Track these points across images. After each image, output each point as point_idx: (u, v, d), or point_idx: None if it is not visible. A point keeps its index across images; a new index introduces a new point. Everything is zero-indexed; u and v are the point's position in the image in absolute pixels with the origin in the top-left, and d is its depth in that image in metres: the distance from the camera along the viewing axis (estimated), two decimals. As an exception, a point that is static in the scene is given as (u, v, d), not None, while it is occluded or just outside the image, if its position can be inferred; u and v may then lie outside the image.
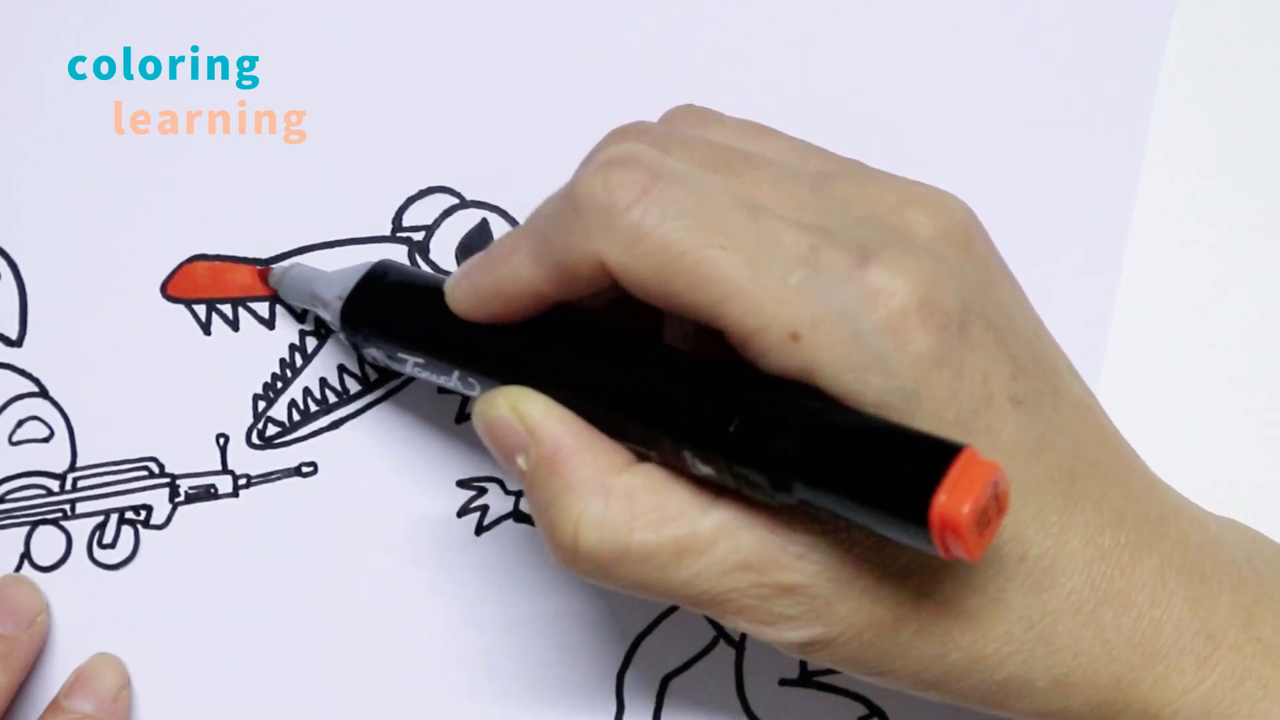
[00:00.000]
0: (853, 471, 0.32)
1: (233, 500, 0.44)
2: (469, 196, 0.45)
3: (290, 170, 0.44)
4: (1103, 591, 0.35)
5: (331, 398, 0.44)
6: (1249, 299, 0.45)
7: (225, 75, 0.45)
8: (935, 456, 0.31)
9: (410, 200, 0.44)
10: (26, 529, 0.44)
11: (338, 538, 0.44)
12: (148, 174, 0.44)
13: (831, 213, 0.35)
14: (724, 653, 0.44)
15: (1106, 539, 0.35)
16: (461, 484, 0.44)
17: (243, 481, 0.44)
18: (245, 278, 0.44)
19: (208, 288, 0.44)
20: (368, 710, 0.44)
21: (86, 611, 0.44)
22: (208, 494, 0.44)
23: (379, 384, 0.44)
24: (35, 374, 0.44)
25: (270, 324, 0.44)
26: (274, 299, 0.44)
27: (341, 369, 0.44)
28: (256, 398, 0.44)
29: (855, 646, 0.34)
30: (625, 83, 0.45)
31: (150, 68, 0.45)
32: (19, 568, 0.44)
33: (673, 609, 0.44)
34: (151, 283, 0.44)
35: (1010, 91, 0.45)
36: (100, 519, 0.44)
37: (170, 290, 0.44)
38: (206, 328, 0.44)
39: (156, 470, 0.44)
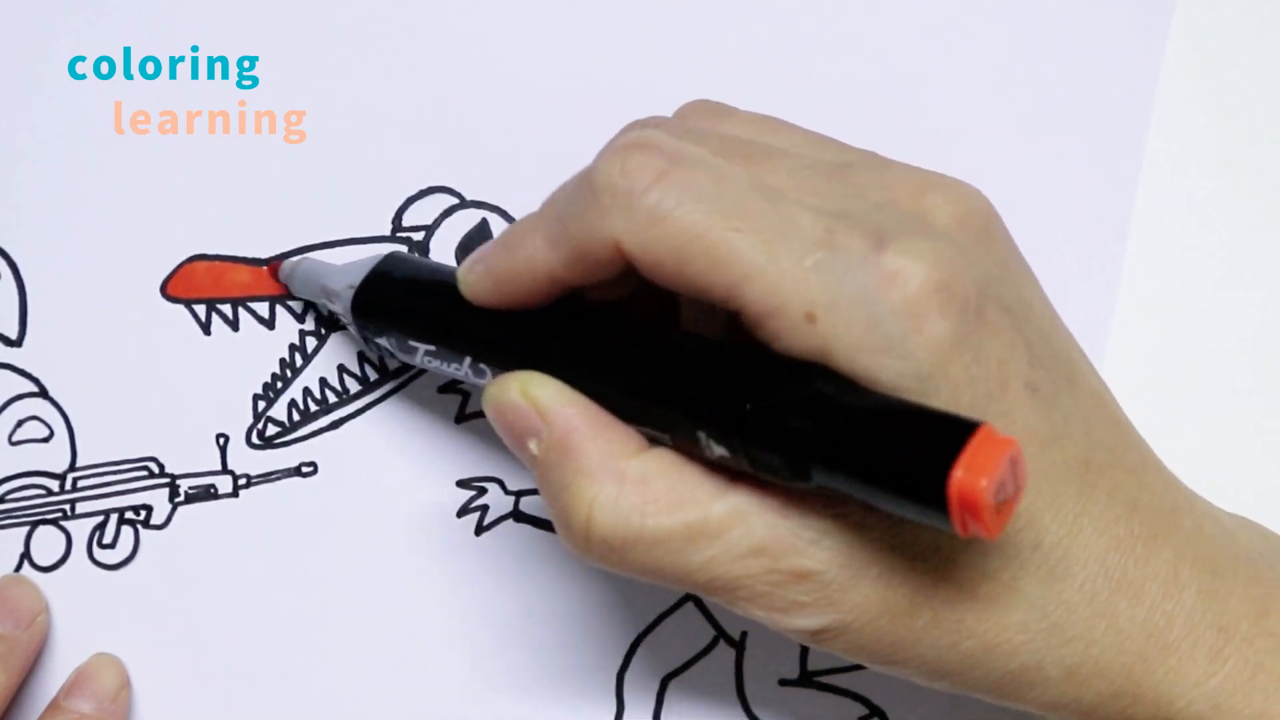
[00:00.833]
0: (869, 451, 0.32)
1: (233, 500, 0.44)
2: (469, 196, 0.45)
3: (290, 170, 0.44)
4: (1116, 581, 0.34)
5: (331, 398, 0.44)
6: (1249, 300, 0.45)
7: (225, 75, 0.45)
8: (952, 433, 0.31)
9: (410, 200, 0.44)
10: (26, 529, 0.44)
11: (338, 538, 0.44)
12: (148, 174, 0.44)
13: (849, 199, 0.35)
14: (724, 653, 0.44)
15: (1121, 529, 0.35)
16: (461, 484, 0.44)
17: (243, 481, 0.44)
18: (245, 278, 0.44)
19: (208, 288, 0.44)
20: (367, 710, 0.44)
21: (86, 611, 0.44)
22: (208, 494, 0.44)
23: (379, 384, 0.44)
24: (35, 374, 0.44)
25: (270, 324, 0.44)
26: (274, 298, 0.44)
27: (341, 369, 0.44)
28: (256, 398, 0.44)
29: (868, 634, 0.34)
30: (625, 82, 0.45)
31: (150, 68, 0.45)
32: (19, 568, 0.44)
33: (673, 609, 0.44)
34: (151, 283, 0.44)
35: (1010, 91, 0.45)
36: (100, 519, 0.44)
37: (170, 290, 0.44)
38: (206, 328, 0.44)
39: (156, 470, 0.44)
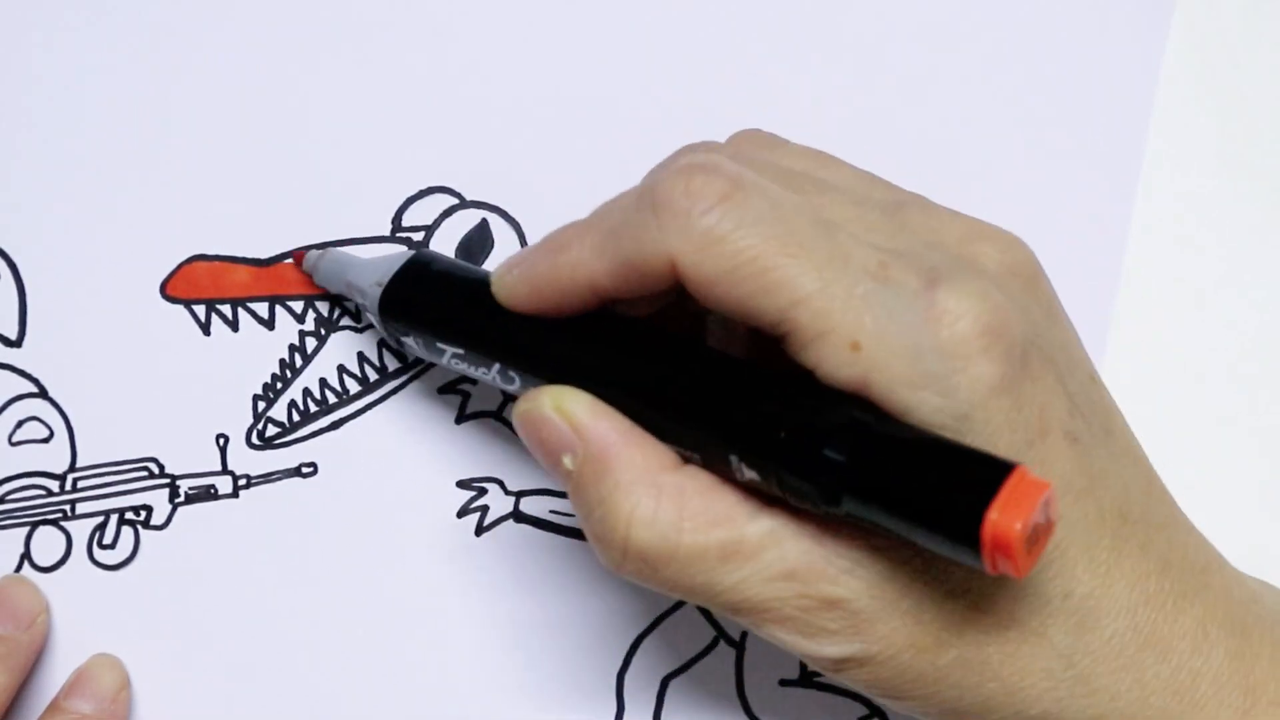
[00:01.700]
0: (902, 485, 0.32)
1: (233, 500, 0.44)
2: (469, 196, 0.45)
3: (290, 170, 0.44)
4: (1145, 636, 0.35)
5: (331, 398, 0.44)
6: (1249, 299, 0.45)
7: (225, 75, 0.45)
8: (987, 473, 0.31)
9: (410, 200, 0.44)
10: (26, 529, 0.44)
11: (338, 538, 0.44)
12: (148, 174, 0.44)
13: (902, 237, 0.35)
14: (724, 653, 0.44)
15: (1152, 584, 0.35)
16: (461, 484, 0.44)
17: (243, 482, 0.44)
18: (245, 278, 0.44)
19: (207, 288, 0.44)
20: (367, 710, 0.44)
21: (86, 612, 0.44)
22: (208, 494, 0.44)
23: (379, 384, 0.44)
24: (35, 374, 0.44)
25: (270, 324, 0.44)
26: (274, 298, 0.44)
27: (341, 369, 0.44)
28: (256, 398, 0.44)
29: (892, 667, 0.34)
30: (625, 83, 0.45)
31: (150, 67, 0.45)
32: (19, 568, 0.44)
33: (673, 609, 0.44)
34: (151, 283, 0.44)
35: (1010, 91, 0.45)
36: (100, 519, 0.44)
37: (170, 290, 0.44)
38: (206, 328, 0.44)
39: (156, 470, 0.44)
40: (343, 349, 0.44)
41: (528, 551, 0.44)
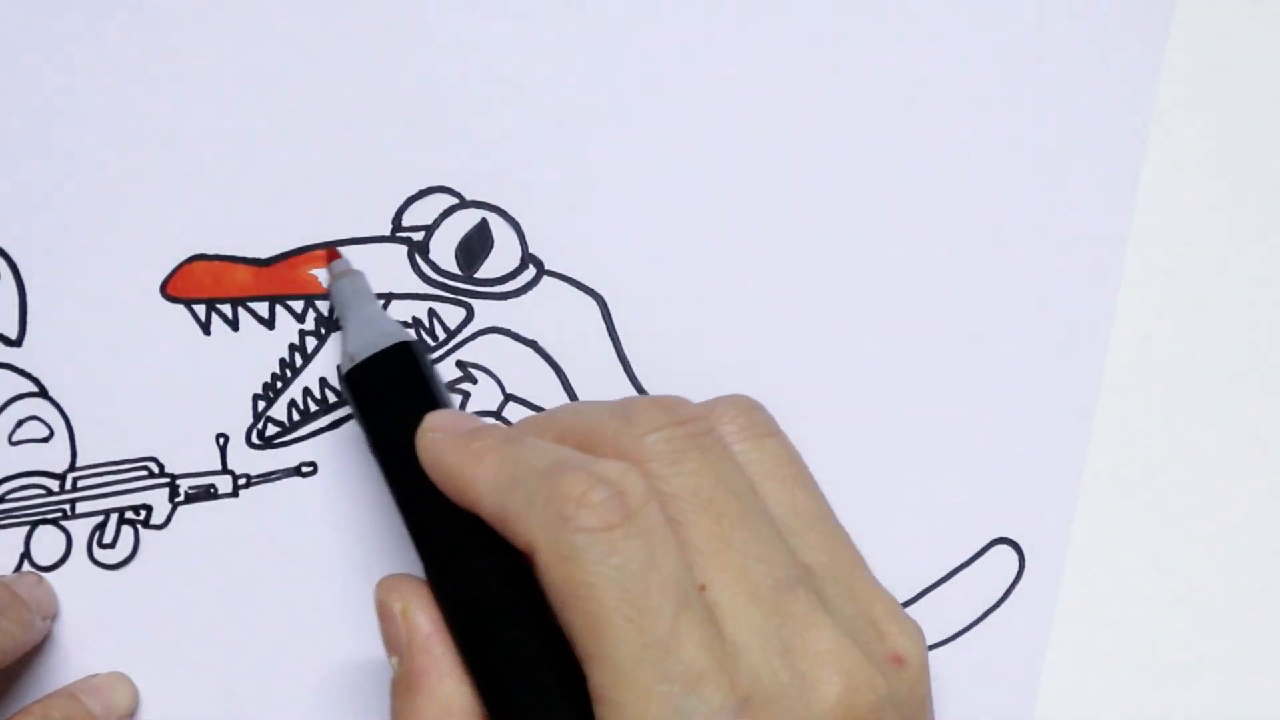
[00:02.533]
0: None
1: (233, 500, 0.44)
2: (469, 196, 0.45)
3: (290, 170, 0.44)
4: None
5: (331, 398, 0.44)
6: (1249, 299, 0.45)
7: (225, 74, 0.45)
8: None
9: (410, 200, 0.44)
10: (26, 529, 0.44)
11: (338, 538, 0.44)
12: (148, 174, 0.44)
13: (768, 630, 0.35)
14: (724, 653, 0.44)
15: None
16: (461, 484, 0.44)
17: (243, 481, 0.44)
18: (245, 278, 0.44)
19: (208, 288, 0.44)
20: (367, 710, 0.44)
21: (86, 611, 0.44)
22: (207, 494, 0.44)
23: (379, 384, 0.44)
24: (35, 374, 0.44)
25: (270, 324, 0.44)
26: (274, 298, 0.44)
27: (342, 369, 0.44)
28: (256, 398, 0.44)
29: None
30: (625, 83, 0.45)
31: (150, 67, 0.45)
32: (19, 568, 0.44)
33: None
34: (151, 283, 0.44)
35: (1010, 91, 0.45)
36: (100, 519, 0.44)
37: (170, 290, 0.44)
38: (206, 328, 0.44)
39: (156, 470, 0.44)
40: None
41: (528, 551, 0.44)
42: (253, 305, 0.44)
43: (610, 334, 0.44)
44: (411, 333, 0.43)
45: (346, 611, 0.44)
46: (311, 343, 0.44)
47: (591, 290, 0.44)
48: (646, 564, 0.33)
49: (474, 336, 0.44)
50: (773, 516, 0.37)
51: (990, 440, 0.44)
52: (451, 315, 0.44)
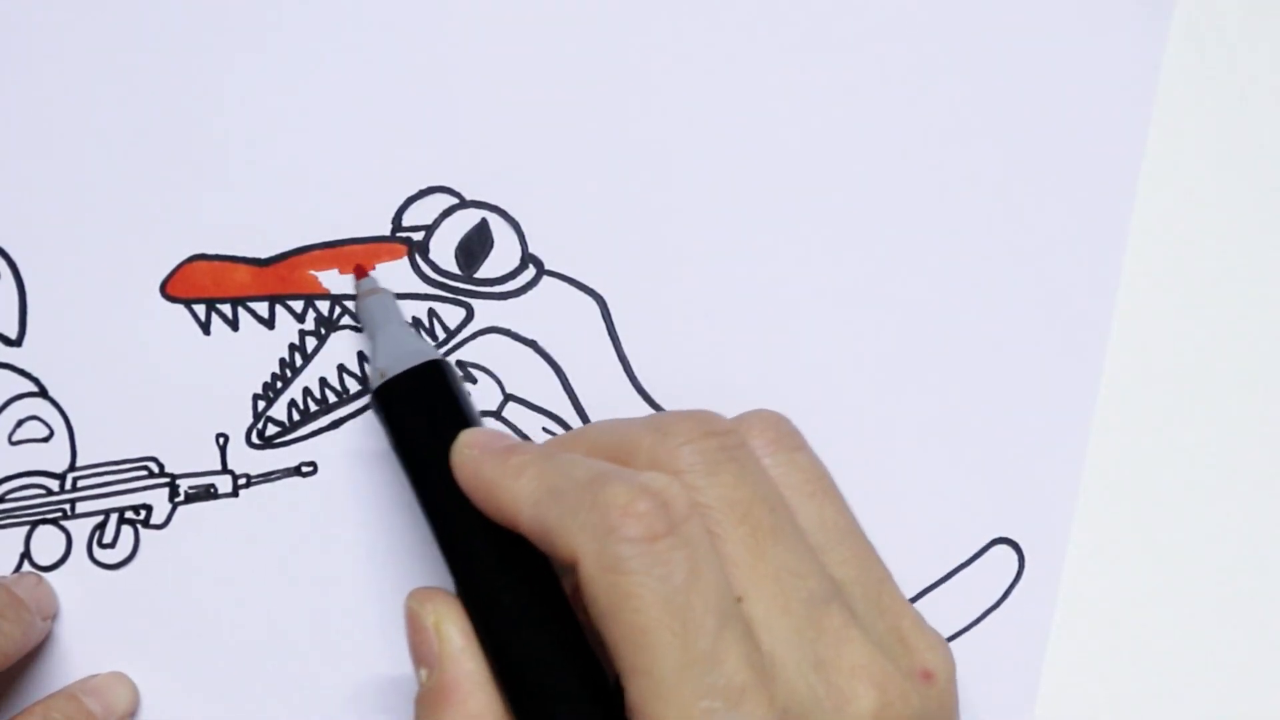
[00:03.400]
0: None
1: (232, 500, 0.44)
2: (469, 196, 0.45)
3: (290, 170, 0.44)
4: None
5: (331, 398, 0.44)
6: (1249, 299, 0.45)
7: (225, 74, 0.45)
8: None
9: (410, 200, 0.44)
10: (26, 529, 0.44)
11: (338, 538, 0.44)
12: (148, 174, 0.44)
13: (803, 644, 0.35)
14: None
15: None
16: (461, 484, 0.44)
17: (242, 481, 0.44)
18: (245, 277, 0.44)
19: (208, 288, 0.44)
20: (367, 710, 0.44)
21: (86, 611, 0.44)
22: (207, 494, 0.44)
23: (379, 384, 0.44)
24: (35, 374, 0.44)
25: (270, 324, 0.44)
26: (274, 298, 0.44)
27: (341, 369, 0.44)
28: (256, 397, 0.44)
29: None
30: (625, 83, 0.45)
31: (150, 67, 0.45)
32: (19, 567, 0.44)
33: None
34: (151, 283, 0.44)
35: (1010, 91, 0.45)
36: (100, 519, 0.44)
37: (170, 290, 0.44)
38: (206, 328, 0.44)
39: (156, 470, 0.44)
40: (343, 348, 0.44)
41: (527, 551, 0.44)
42: (253, 305, 0.44)
43: (610, 334, 0.44)
44: (440, 351, 0.43)
45: (346, 611, 0.44)
46: (311, 343, 0.44)
47: (591, 290, 0.44)
48: (691, 576, 0.33)
49: (474, 336, 0.44)
50: (802, 530, 0.37)
51: (990, 440, 0.44)
52: (451, 315, 0.44)
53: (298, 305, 0.44)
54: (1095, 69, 0.45)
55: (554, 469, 0.36)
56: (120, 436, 0.44)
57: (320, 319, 0.44)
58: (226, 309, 0.44)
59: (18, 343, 0.44)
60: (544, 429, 0.44)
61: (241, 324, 0.44)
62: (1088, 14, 0.45)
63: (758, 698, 0.33)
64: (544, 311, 0.44)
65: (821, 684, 0.35)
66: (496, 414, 0.44)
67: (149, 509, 0.44)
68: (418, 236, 0.44)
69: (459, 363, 0.44)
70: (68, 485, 0.44)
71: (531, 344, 0.44)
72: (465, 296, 0.44)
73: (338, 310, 0.44)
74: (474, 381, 0.44)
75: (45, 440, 0.44)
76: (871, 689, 0.35)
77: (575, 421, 0.44)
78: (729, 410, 0.39)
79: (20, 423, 0.44)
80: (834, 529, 0.38)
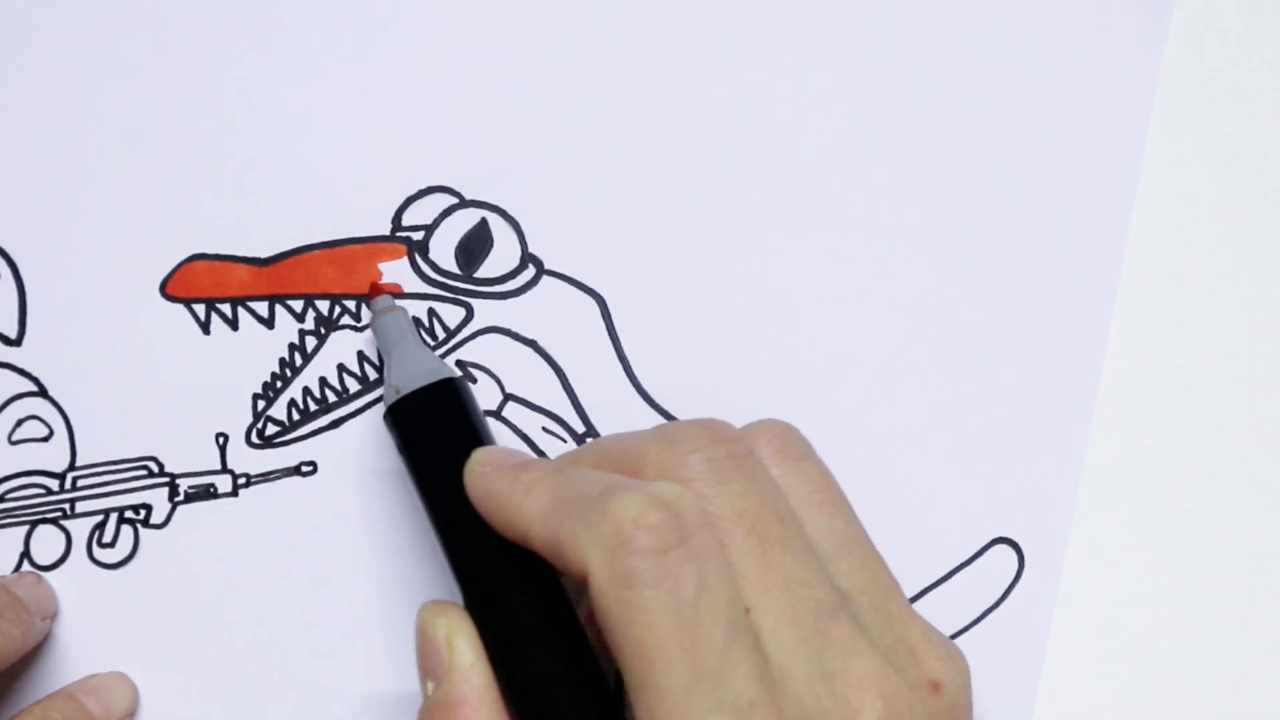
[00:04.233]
0: None
1: (232, 500, 0.44)
2: (468, 196, 0.45)
3: (290, 170, 0.44)
4: None
5: (331, 397, 0.44)
6: (1249, 299, 0.45)
7: (225, 74, 0.45)
8: None
9: (410, 200, 0.44)
10: (26, 528, 0.44)
11: (337, 538, 0.44)
12: (148, 174, 0.44)
13: (810, 656, 0.35)
14: (724, 653, 0.44)
15: None
16: (461, 484, 0.44)
17: (242, 481, 0.44)
18: (245, 277, 0.44)
19: (207, 287, 0.44)
20: (366, 710, 0.44)
21: (86, 611, 0.44)
22: (207, 493, 0.44)
23: (379, 383, 0.44)
24: (35, 373, 0.44)
25: (270, 324, 0.44)
26: (274, 298, 0.44)
27: (341, 369, 0.44)
28: (256, 397, 0.44)
29: None
30: (625, 83, 0.45)
31: (150, 67, 0.45)
32: (18, 567, 0.44)
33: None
34: (151, 282, 0.44)
35: (1010, 92, 0.45)
36: (100, 518, 0.44)
37: (170, 290, 0.44)
38: (206, 327, 0.44)
39: (156, 470, 0.44)
40: (343, 348, 0.44)
41: (527, 551, 0.44)
42: (252, 305, 0.44)
43: (610, 334, 0.44)
44: (456, 370, 0.43)
45: (346, 611, 0.44)
46: (311, 342, 0.44)
47: (591, 290, 0.44)
48: (700, 589, 0.34)
49: (474, 336, 0.44)
50: (810, 540, 0.37)
51: (990, 440, 0.44)
52: (451, 315, 0.44)
53: (297, 305, 0.44)
54: (1095, 69, 0.45)
55: (564, 483, 0.36)
56: (120, 436, 0.44)
57: (320, 319, 0.44)
58: (226, 309, 0.44)
59: (17, 343, 0.44)
60: (544, 429, 0.44)
61: (241, 324, 0.44)
62: (1088, 14, 0.45)
63: (766, 712, 0.33)
64: (544, 311, 0.44)
65: (829, 696, 0.35)
66: (496, 414, 0.44)
67: (149, 509, 0.44)
68: (418, 236, 0.44)
69: (459, 363, 0.44)
70: (67, 485, 0.44)
71: (531, 344, 0.44)
72: (465, 296, 0.44)
73: (338, 310, 0.44)
74: (474, 381, 0.44)
75: (45, 440, 0.44)
76: (878, 700, 0.35)
77: (575, 421, 0.44)
78: (730, 410, 0.39)
79: (20, 422, 0.44)
80: (841, 539, 0.38)
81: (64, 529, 0.44)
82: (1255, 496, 0.44)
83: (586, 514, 0.35)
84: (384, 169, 0.44)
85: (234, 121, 0.45)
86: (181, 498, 0.44)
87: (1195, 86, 0.45)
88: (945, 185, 0.45)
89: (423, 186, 0.45)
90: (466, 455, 0.38)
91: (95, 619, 0.44)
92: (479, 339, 0.44)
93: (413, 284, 0.44)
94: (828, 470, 0.39)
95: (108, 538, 0.44)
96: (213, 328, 0.44)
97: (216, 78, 0.45)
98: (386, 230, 0.44)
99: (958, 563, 0.44)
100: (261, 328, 0.44)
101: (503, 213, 0.45)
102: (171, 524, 0.44)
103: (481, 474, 0.38)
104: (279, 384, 0.44)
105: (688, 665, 0.33)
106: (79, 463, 0.44)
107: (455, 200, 0.45)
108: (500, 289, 0.44)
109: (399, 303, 0.44)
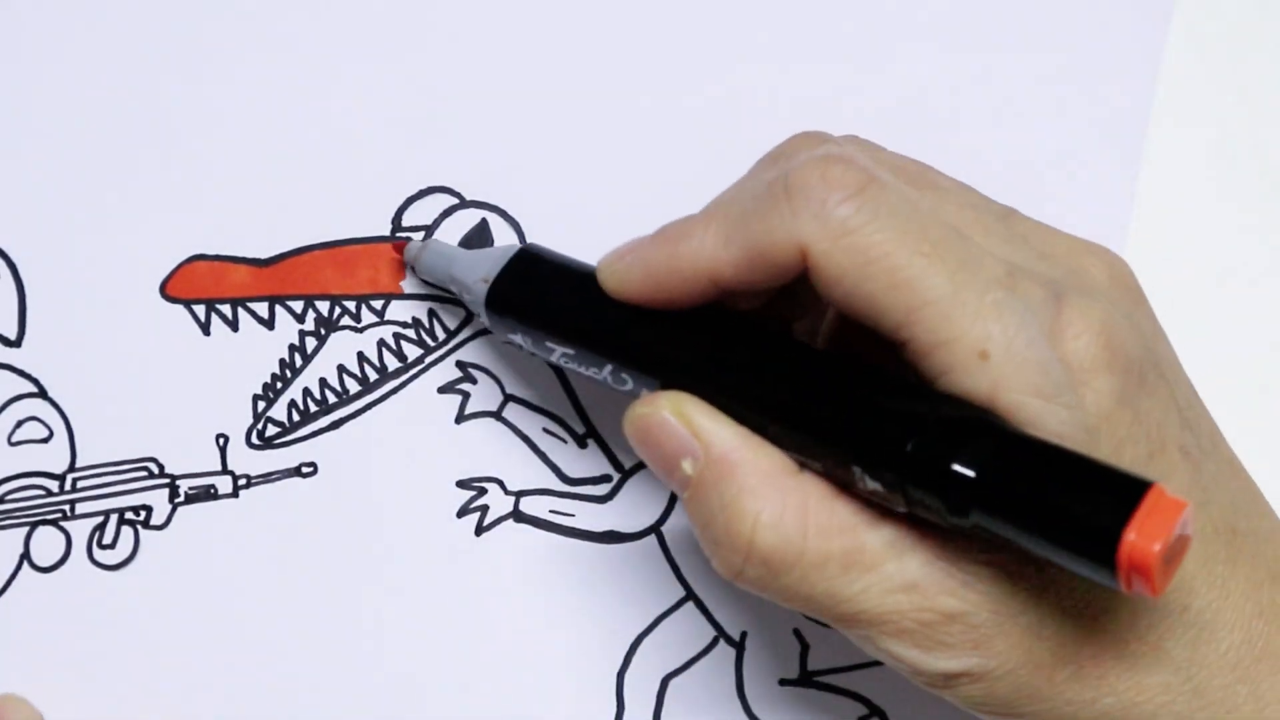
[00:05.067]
0: (1035, 501, 0.31)
1: (232, 500, 0.44)
2: (468, 196, 0.45)
3: (290, 170, 0.44)
4: (1260, 649, 0.34)
5: (331, 398, 0.44)
6: (1249, 299, 0.45)
7: (225, 74, 0.45)
8: (1124, 492, 0.30)
9: (410, 200, 0.44)
10: (26, 529, 0.44)
11: (338, 538, 0.44)
12: (147, 174, 0.44)
13: (1016, 248, 0.35)
14: (724, 653, 0.44)
15: (1264, 596, 0.35)
16: (461, 484, 0.44)
17: (242, 482, 0.44)
18: (245, 277, 0.44)
19: (207, 288, 0.44)
20: (366, 709, 0.44)
21: (86, 612, 0.44)
22: (207, 494, 0.44)
23: (379, 384, 0.44)
24: (34, 374, 0.44)
25: (270, 324, 0.44)
26: (274, 298, 0.44)
27: (341, 369, 0.44)
28: (256, 398, 0.44)
29: (1008, 682, 0.34)
30: (625, 82, 0.45)
31: (150, 67, 0.45)
32: (18, 568, 0.44)
33: (673, 609, 0.44)
34: (151, 283, 0.44)
35: (1010, 91, 0.45)
36: (100, 519, 0.44)
37: (170, 290, 0.44)
38: (206, 328, 0.44)
39: (156, 470, 0.44)
40: (343, 349, 0.44)
41: (527, 551, 0.44)
42: (252, 305, 0.44)
43: (610, 334, 0.44)
44: (517, 243, 0.42)
45: (346, 611, 0.44)
46: (311, 343, 0.44)
47: (591, 290, 0.44)
48: (909, 203, 0.33)
49: (474, 336, 0.44)
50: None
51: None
52: (451, 315, 0.44)
53: (298, 305, 0.44)
54: (1095, 68, 0.45)
55: (725, 206, 0.35)
56: (120, 437, 0.44)
57: (320, 319, 0.44)
58: (226, 309, 0.44)
59: (17, 343, 0.44)
60: (544, 429, 0.44)
61: (241, 324, 0.44)
62: (1088, 14, 0.45)
63: (1022, 275, 0.33)
64: (544, 312, 0.44)
65: (1054, 267, 0.35)
66: (496, 414, 0.44)
67: (149, 509, 0.44)
68: (418, 236, 0.44)
69: (459, 363, 0.44)
70: (67, 486, 0.44)
71: (531, 344, 0.44)
72: (465, 297, 0.44)
73: (338, 311, 0.44)
74: (474, 382, 0.44)
75: (45, 441, 0.44)
76: (1093, 258, 0.36)
77: (575, 422, 0.44)
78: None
79: (20, 423, 0.44)
80: (961, 184, 0.38)
81: (64, 530, 0.44)
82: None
83: (770, 207, 0.34)
84: (384, 169, 0.44)
85: (234, 122, 0.45)
86: (182, 499, 0.44)
87: (1195, 86, 0.45)
88: (945, 185, 0.45)
89: (423, 186, 0.45)
90: (585, 287, 0.37)
91: (95, 620, 0.44)
92: (479, 339, 0.44)
93: (413, 284, 0.44)
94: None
95: (108, 539, 0.44)
96: (213, 328, 0.44)
97: (217, 78, 0.45)
98: (386, 230, 0.44)
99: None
100: (261, 328, 0.44)
101: (502, 213, 0.45)
102: (172, 525, 0.44)
103: (633, 257, 0.36)
104: (279, 385, 0.44)
105: (938, 265, 0.33)
106: (79, 464, 0.44)
107: (455, 200, 0.45)
108: (500, 289, 0.44)
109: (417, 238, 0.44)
